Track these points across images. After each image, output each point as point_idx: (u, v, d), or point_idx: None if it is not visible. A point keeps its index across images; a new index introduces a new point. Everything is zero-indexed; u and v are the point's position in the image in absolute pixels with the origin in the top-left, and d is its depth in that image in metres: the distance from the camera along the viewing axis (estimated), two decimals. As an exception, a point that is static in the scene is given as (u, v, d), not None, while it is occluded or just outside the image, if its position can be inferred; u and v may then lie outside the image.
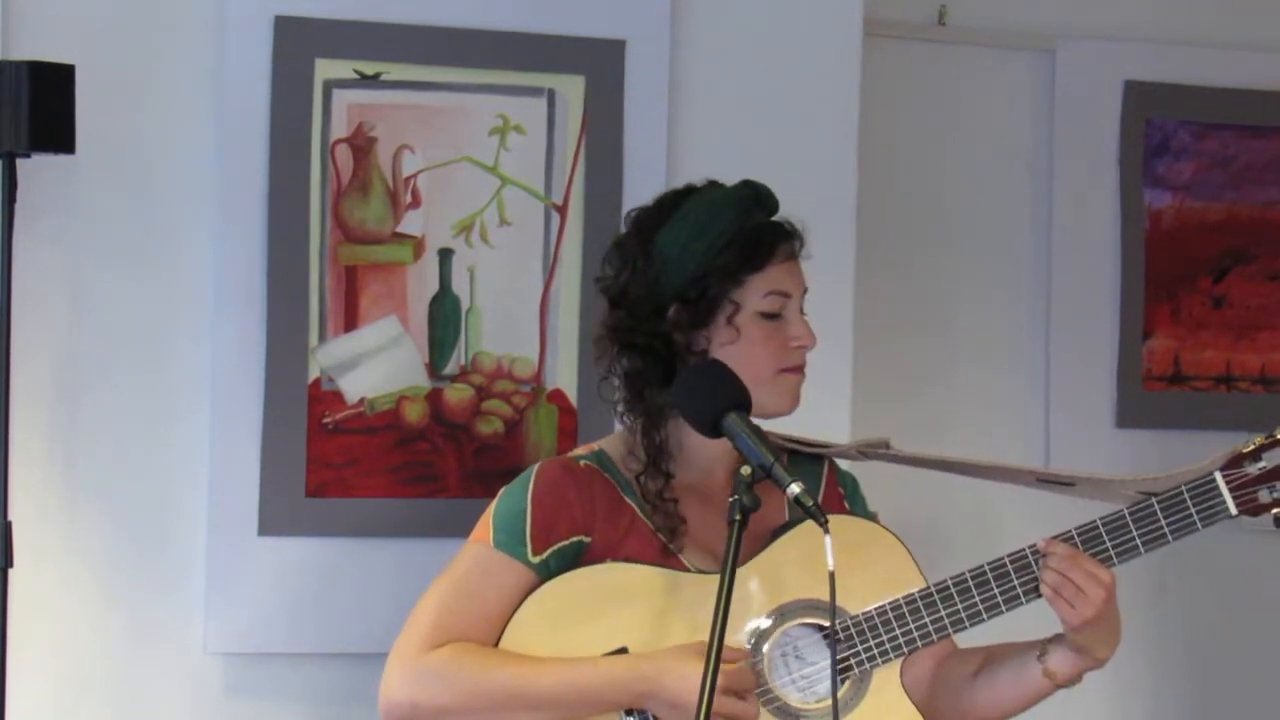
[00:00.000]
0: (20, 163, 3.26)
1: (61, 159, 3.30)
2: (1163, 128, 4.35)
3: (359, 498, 3.57)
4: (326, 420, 3.55)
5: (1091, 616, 2.87)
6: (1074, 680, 2.96)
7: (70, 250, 3.45)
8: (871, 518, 3.10)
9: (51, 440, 3.45)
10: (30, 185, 3.30)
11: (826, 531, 2.64)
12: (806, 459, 3.07)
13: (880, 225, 4.09)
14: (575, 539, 2.91)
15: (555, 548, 2.90)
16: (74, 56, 3.28)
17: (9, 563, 3.23)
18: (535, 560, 2.90)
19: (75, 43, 3.37)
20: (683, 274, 2.91)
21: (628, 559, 2.91)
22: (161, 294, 3.50)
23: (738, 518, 2.68)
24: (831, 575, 2.63)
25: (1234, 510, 2.91)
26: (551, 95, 3.66)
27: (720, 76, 3.77)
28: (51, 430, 3.44)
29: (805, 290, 2.98)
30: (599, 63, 3.67)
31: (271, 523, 3.51)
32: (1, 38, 3.36)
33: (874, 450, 3.08)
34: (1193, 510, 2.90)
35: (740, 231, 2.92)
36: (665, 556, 2.92)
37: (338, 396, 3.56)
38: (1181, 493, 2.91)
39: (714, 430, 2.80)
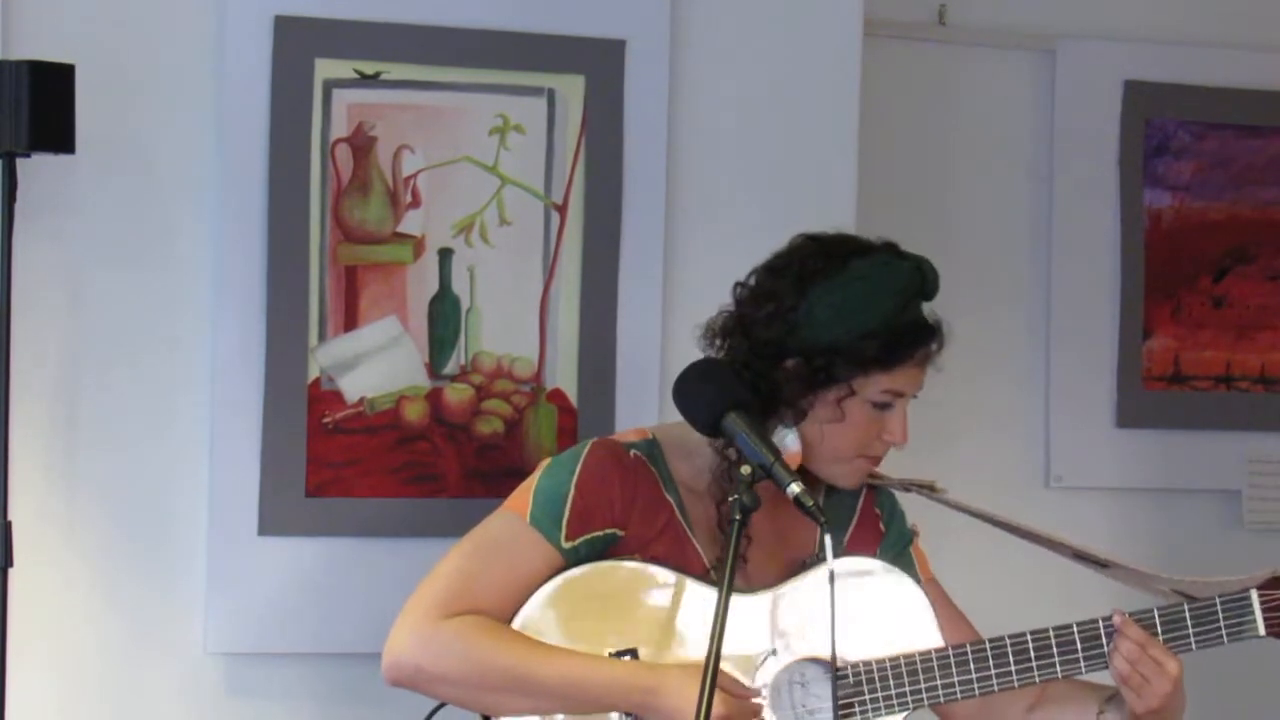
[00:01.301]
0: (20, 163, 3.26)
1: (61, 159, 3.30)
2: (1163, 128, 4.35)
3: (359, 498, 3.56)
4: (326, 420, 3.55)
5: (1156, 706, 2.89)
6: None
7: (70, 249, 3.45)
8: (910, 535, 3.10)
9: (51, 440, 3.44)
10: (30, 185, 3.30)
11: (826, 531, 2.64)
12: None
13: (880, 225, 4.06)
14: (609, 531, 2.90)
15: (588, 536, 2.89)
16: (74, 56, 3.28)
17: (9, 563, 3.23)
18: (567, 545, 2.88)
19: (75, 43, 3.37)
20: (819, 340, 2.86)
21: (655, 558, 2.90)
22: (161, 294, 3.50)
23: (737, 517, 2.67)
24: (831, 574, 2.63)
25: (1262, 631, 2.92)
26: (551, 95, 3.65)
27: (720, 76, 3.77)
28: (51, 430, 3.44)
29: (922, 386, 2.95)
30: (599, 63, 3.67)
31: (271, 523, 3.51)
32: (1, 38, 3.36)
33: (920, 489, 3.08)
34: (1222, 623, 2.91)
35: (890, 327, 2.87)
36: (694, 563, 2.91)
37: (338, 396, 3.56)
38: (1215, 604, 2.91)
39: (714, 430, 2.79)
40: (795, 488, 2.69)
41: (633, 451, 2.94)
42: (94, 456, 3.47)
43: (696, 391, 2.82)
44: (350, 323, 3.57)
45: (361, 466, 3.56)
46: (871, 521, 3.07)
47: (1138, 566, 3.05)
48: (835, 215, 3.78)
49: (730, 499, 2.69)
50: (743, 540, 2.85)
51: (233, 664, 3.55)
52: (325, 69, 3.53)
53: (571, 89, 3.66)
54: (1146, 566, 3.06)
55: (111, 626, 3.49)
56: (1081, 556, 3.07)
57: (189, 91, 3.50)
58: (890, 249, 2.96)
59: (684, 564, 2.90)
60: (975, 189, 4.29)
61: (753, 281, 2.95)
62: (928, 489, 3.07)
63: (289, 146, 3.51)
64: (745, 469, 2.71)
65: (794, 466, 2.77)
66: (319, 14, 3.52)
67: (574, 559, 2.89)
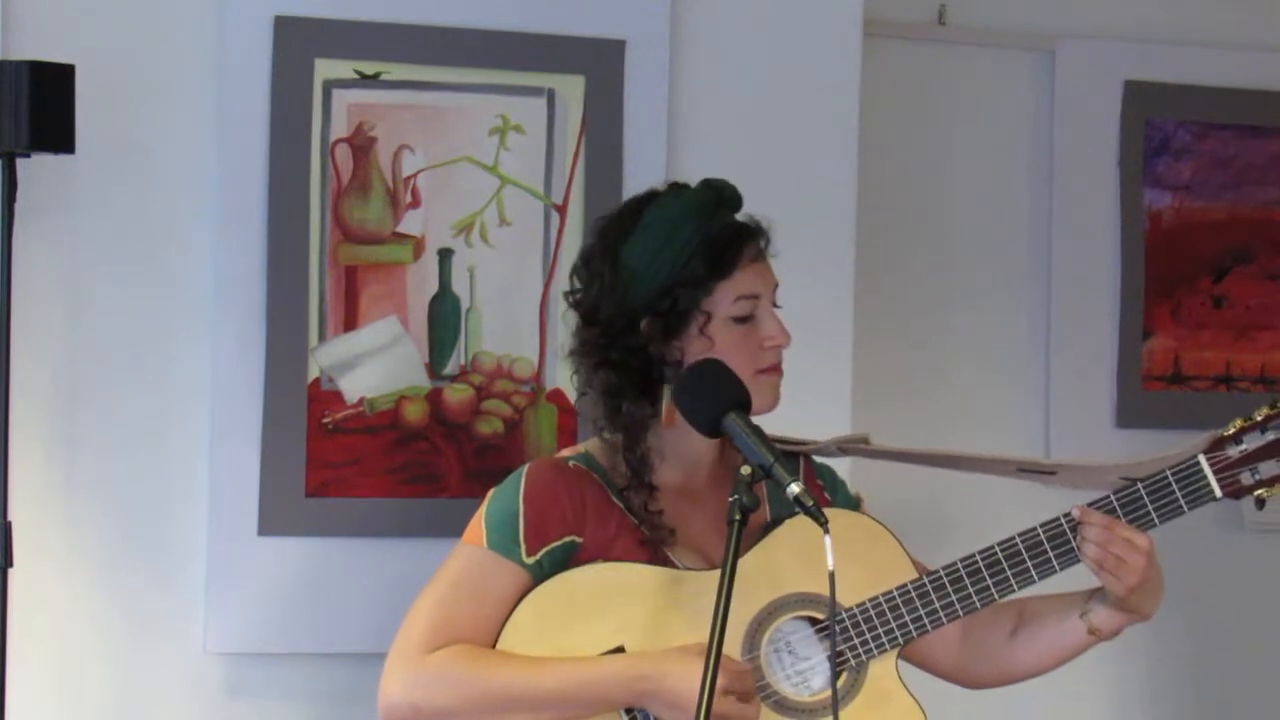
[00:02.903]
0: (20, 163, 3.26)
1: (61, 159, 3.30)
2: (1163, 128, 4.35)
3: (359, 498, 3.56)
4: (326, 420, 3.55)
5: (1135, 584, 2.90)
6: (1118, 634, 3.01)
7: (70, 250, 3.45)
8: (856, 502, 3.11)
9: (51, 440, 3.44)
10: (30, 185, 3.30)
11: (826, 532, 2.64)
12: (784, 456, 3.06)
13: (880, 225, 4.09)
14: (567, 539, 2.91)
15: (548, 548, 2.90)
16: (74, 56, 3.28)
17: (9, 562, 3.24)
18: (529, 561, 2.90)
19: (75, 43, 3.37)
20: (651, 287, 2.90)
21: (619, 559, 2.91)
22: (161, 294, 3.50)
23: (737, 517, 2.67)
24: (831, 575, 2.63)
25: (1218, 493, 2.93)
26: (551, 95, 3.66)
27: (720, 76, 3.77)
28: (51, 430, 3.44)
29: (776, 286, 2.97)
30: (599, 63, 3.67)
31: (271, 523, 3.51)
32: (1, 38, 3.36)
33: (854, 446, 3.09)
34: (1178, 493, 2.92)
35: (704, 239, 2.90)
36: (655, 556, 2.92)
37: (338, 396, 3.56)
38: (1166, 476, 2.93)
39: (714, 430, 2.80)
40: (795, 488, 2.69)
41: (571, 462, 2.97)
42: (94, 456, 3.47)
43: (696, 392, 2.83)
44: (350, 323, 3.57)
45: (361, 466, 3.57)
46: (815, 490, 3.07)
47: (1083, 462, 3.08)
48: (835, 215, 3.80)
49: (730, 499, 2.69)
50: (688, 523, 2.91)
51: (233, 664, 3.55)
52: (325, 69, 3.53)
53: (571, 89, 3.66)
54: (1091, 461, 3.07)
55: (111, 627, 3.49)
56: (1026, 469, 3.09)
57: (189, 91, 3.50)
58: (676, 185, 2.99)
59: (647, 559, 2.92)
60: (975, 189, 4.29)
61: (574, 282, 2.99)
62: (861, 443, 3.08)
63: (289, 146, 3.51)
64: (745, 469, 2.71)
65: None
66: (319, 14, 3.52)
67: (539, 574, 2.90)
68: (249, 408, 3.50)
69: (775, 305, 2.97)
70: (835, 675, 2.77)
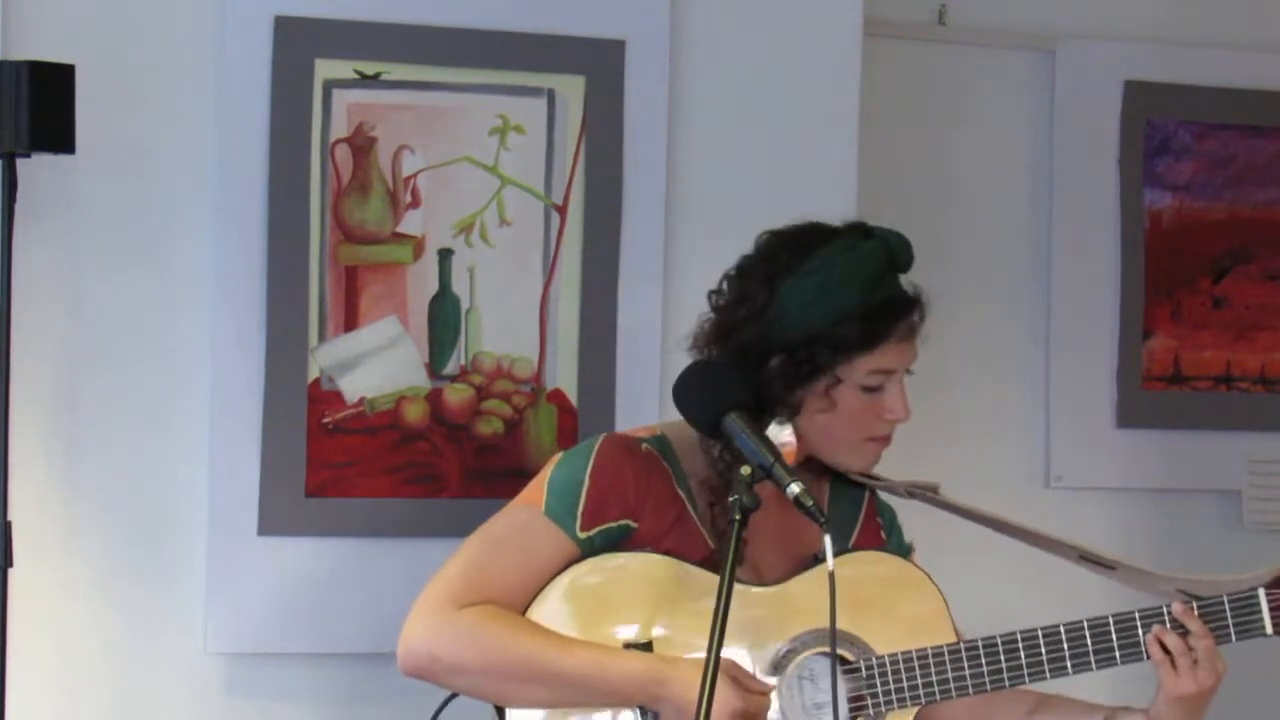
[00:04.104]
0: (20, 163, 3.26)
1: (61, 159, 3.30)
2: (1163, 128, 4.35)
3: (359, 498, 3.56)
4: (326, 420, 3.55)
5: (1189, 694, 2.89)
6: None
7: (70, 250, 3.45)
8: (908, 549, 3.10)
9: (51, 440, 3.44)
10: (30, 185, 3.30)
11: (826, 531, 2.65)
12: (849, 486, 3.05)
13: (880, 225, 4.08)
14: (623, 522, 2.90)
15: (603, 527, 2.89)
16: (74, 56, 3.28)
17: (9, 563, 3.24)
18: (582, 536, 2.88)
19: (75, 43, 3.38)
20: (795, 332, 2.86)
21: (669, 551, 2.90)
22: (161, 294, 3.50)
23: (737, 517, 2.67)
24: (831, 575, 2.63)
25: (1269, 630, 2.92)
26: (551, 95, 3.65)
27: (720, 76, 3.77)
28: (51, 430, 3.44)
29: (915, 358, 2.95)
30: (599, 63, 3.67)
31: (271, 523, 3.51)
32: (1, 38, 3.36)
33: (922, 492, 3.06)
34: (1230, 622, 2.91)
35: (862, 308, 2.87)
36: (707, 557, 2.91)
37: (338, 396, 3.56)
38: (1222, 603, 2.92)
39: (714, 430, 2.79)
40: (795, 488, 2.69)
41: (644, 445, 2.95)
42: (94, 456, 3.47)
43: (696, 392, 2.83)
44: (350, 323, 3.57)
45: (361, 467, 3.57)
46: (874, 528, 3.07)
47: (1144, 567, 3.04)
48: (835, 215, 3.78)
49: (730, 499, 2.69)
50: (748, 536, 2.86)
51: (233, 664, 3.55)
52: (325, 69, 3.53)
53: (571, 89, 3.66)
54: (1153, 567, 3.05)
55: (111, 626, 3.49)
56: (1087, 559, 3.06)
57: (189, 91, 3.50)
58: (855, 230, 2.96)
59: (697, 557, 2.90)
60: (975, 189, 4.29)
61: (724, 287, 2.96)
62: (931, 491, 3.07)
63: (289, 146, 3.51)
64: (745, 469, 2.71)
65: (790, 460, 2.78)
66: (319, 14, 3.52)
67: (589, 550, 2.89)
68: (249, 408, 3.50)
69: (909, 371, 2.95)
70: (835, 676, 2.77)
